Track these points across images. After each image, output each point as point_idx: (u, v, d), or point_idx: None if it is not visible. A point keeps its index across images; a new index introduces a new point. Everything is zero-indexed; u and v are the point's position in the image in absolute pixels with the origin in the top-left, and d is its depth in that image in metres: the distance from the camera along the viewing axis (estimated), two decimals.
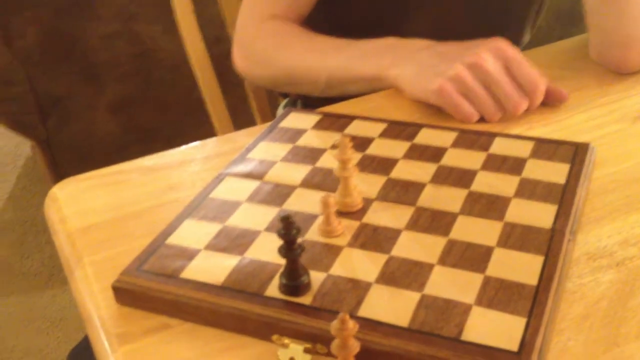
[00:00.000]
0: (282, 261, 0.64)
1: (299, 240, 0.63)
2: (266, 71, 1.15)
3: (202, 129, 2.32)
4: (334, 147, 0.83)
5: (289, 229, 0.61)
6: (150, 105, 2.26)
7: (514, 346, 0.57)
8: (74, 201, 0.85)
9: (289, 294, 0.64)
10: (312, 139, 0.88)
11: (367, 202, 0.75)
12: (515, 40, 1.32)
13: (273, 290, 0.64)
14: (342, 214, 0.73)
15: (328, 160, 0.83)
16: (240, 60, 1.18)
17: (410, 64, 0.98)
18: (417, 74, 0.97)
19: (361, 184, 0.77)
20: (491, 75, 0.92)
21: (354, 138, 0.87)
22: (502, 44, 0.95)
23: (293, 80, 1.12)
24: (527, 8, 1.28)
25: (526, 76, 0.93)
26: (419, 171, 0.81)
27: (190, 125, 2.34)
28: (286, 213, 0.61)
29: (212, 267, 0.68)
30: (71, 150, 2.22)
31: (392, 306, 0.62)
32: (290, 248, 0.62)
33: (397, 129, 0.89)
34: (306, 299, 0.63)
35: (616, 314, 0.63)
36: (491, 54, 0.93)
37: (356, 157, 0.84)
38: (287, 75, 1.12)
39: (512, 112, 0.92)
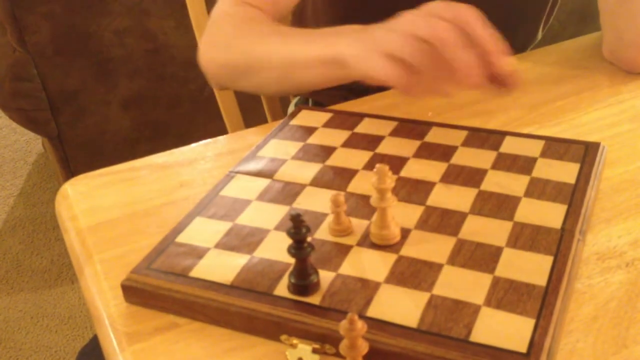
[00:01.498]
0: (292, 260, 0.64)
1: (309, 239, 0.63)
2: (224, 55, 1.07)
3: (213, 126, 2.33)
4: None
5: (298, 228, 0.61)
6: (162, 101, 2.26)
7: (522, 347, 0.57)
8: (85, 198, 0.85)
9: (298, 293, 0.64)
10: (322, 137, 0.88)
11: None
12: (528, 37, 1.32)
13: (282, 289, 0.64)
14: (378, 247, 0.70)
15: (338, 159, 0.83)
16: (203, 45, 1.11)
17: (359, 39, 0.86)
18: (362, 48, 0.85)
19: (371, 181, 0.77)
20: (411, 20, 0.81)
21: (364, 136, 0.87)
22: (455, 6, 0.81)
23: (249, 64, 1.03)
24: (541, 5, 1.28)
25: (452, 12, 0.80)
26: (429, 170, 0.80)
27: (201, 121, 2.34)
28: (296, 212, 0.61)
29: (221, 266, 0.68)
30: (83, 147, 2.23)
31: (401, 306, 0.62)
32: (299, 247, 0.62)
33: (407, 128, 0.89)
34: (315, 299, 0.63)
35: (625, 315, 0.63)
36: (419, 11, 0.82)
37: (366, 154, 0.84)
38: (244, 59, 1.03)
39: (435, 37, 0.77)
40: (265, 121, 1.27)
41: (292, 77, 0.97)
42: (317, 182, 0.80)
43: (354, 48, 0.86)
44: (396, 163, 0.82)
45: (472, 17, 0.81)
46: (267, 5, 1.08)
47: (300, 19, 1.35)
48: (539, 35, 1.34)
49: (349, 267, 0.67)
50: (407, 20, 0.81)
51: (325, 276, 0.65)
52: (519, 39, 1.31)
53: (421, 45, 0.79)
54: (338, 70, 0.90)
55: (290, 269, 0.65)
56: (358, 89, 1.05)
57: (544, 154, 0.82)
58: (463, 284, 0.64)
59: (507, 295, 0.62)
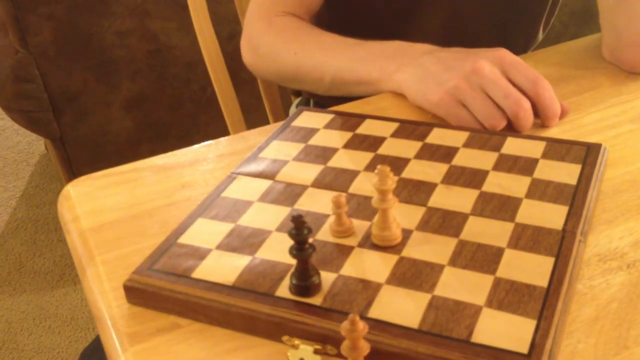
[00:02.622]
0: (293, 261, 0.64)
1: (310, 240, 0.63)
2: (272, 66, 1.15)
3: (215, 126, 2.33)
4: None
5: (300, 229, 0.62)
6: (164, 102, 2.27)
7: (524, 348, 0.57)
8: (87, 200, 0.85)
9: (299, 294, 0.64)
10: (323, 138, 0.88)
11: None
12: (529, 38, 1.32)
13: (283, 290, 0.64)
14: (380, 248, 0.70)
15: (340, 160, 0.84)
16: (248, 54, 1.19)
17: (414, 70, 0.98)
18: (419, 81, 0.96)
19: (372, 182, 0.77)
20: (488, 78, 0.90)
21: (365, 137, 0.87)
22: (501, 52, 0.93)
23: (298, 77, 1.12)
24: (541, 6, 1.28)
25: (524, 76, 0.91)
26: (431, 171, 0.80)
27: (203, 122, 2.35)
28: (297, 213, 0.61)
29: (223, 267, 0.68)
30: (85, 148, 2.23)
31: (402, 307, 0.62)
32: (301, 248, 0.62)
33: (408, 129, 0.89)
34: (316, 300, 0.63)
35: (627, 316, 0.63)
36: (489, 61, 0.92)
37: (368, 155, 0.84)
38: (292, 71, 1.12)
39: (514, 112, 0.89)
40: (267, 122, 1.27)
41: (340, 89, 1.08)
42: (318, 183, 0.80)
43: (413, 83, 0.97)
44: (398, 164, 0.82)
45: (543, 85, 0.91)
46: (302, 8, 1.19)
47: None
48: (540, 35, 1.34)
49: (350, 268, 0.67)
50: (475, 70, 0.91)
51: (327, 277, 0.65)
52: (520, 40, 1.31)
53: (488, 104, 0.90)
54: (387, 88, 1.02)
55: (292, 270, 0.65)
56: None
57: (545, 155, 0.82)
58: (464, 285, 0.64)
59: (509, 296, 0.62)
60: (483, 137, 0.86)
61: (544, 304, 0.61)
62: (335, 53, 1.07)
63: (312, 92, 1.17)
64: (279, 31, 1.14)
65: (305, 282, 0.64)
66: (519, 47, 1.30)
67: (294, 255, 0.63)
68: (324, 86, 1.08)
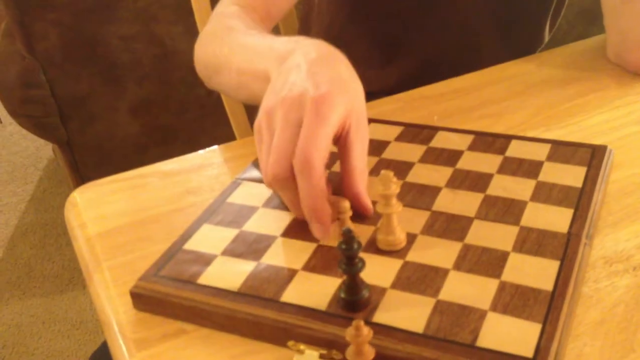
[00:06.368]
0: (298, 266, 0.64)
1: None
2: (200, 52, 1.07)
3: (221, 130, 2.33)
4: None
5: (350, 244, 0.60)
6: (170, 106, 2.27)
7: (529, 352, 0.57)
8: (93, 206, 0.85)
9: (348, 309, 0.63)
10: None
11: None
12: (534, 39, 1.32)
13: (288, 295, 0.65)
14: (384, 252, 0.70)
15: None
16: (196, 43, 1.10)
17: (282, 73, 0.78)
18: (270, 89, 0.77)
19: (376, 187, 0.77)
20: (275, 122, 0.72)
21: (369, 142, 0.87)
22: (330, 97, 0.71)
23: (216, 66, 1.00)
24: (545, 6, 1.27)
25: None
26: (435, 175, 0.80)
27: (210, 126, 2.35)
28: (347, 228, 0.61)
29: (228, 273, 0.68)
30: (92, 152, 2.23)
31: (407, 312, 0.62)
32: (351, 263, 0.61)
33: (413, 132, 0.89)
34: (321, 305, 0.63)
35: (632, 319, 0.63)
36: (295, 101, 0.72)
37: (372, 160, 0.84)
38: (212, 60, 1.01)
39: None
40: None
41: (245, 86, 0.91)
42: None
43: (275, 74, 0.79)
44: (402, 168, 0.82)
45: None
46: (260, 5, 1.07)
47: (306, 22, 1.36)
48: (546, 37, 1.34)
49: None
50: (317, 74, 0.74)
51: (331, 282, 0.65)
52: (524, 40, 1.31)
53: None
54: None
55: (340, 284, 0.64)
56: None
57: (550, 157, 0.82)
58: (469, 289, 0.64)
59: (514, 300, 0.62)
60: (487, 140, 0.86)
61: (549, 308, 0.61)
62: (245, 44, 0.94)
63: (227, 89, 1.01)
64: (221, 20, 1.05)
65: (355, 296, 0.63)
66: (524, 48, 1.29)
67: (343, 270, 0.62)
68: (233, 79, 0.94)
